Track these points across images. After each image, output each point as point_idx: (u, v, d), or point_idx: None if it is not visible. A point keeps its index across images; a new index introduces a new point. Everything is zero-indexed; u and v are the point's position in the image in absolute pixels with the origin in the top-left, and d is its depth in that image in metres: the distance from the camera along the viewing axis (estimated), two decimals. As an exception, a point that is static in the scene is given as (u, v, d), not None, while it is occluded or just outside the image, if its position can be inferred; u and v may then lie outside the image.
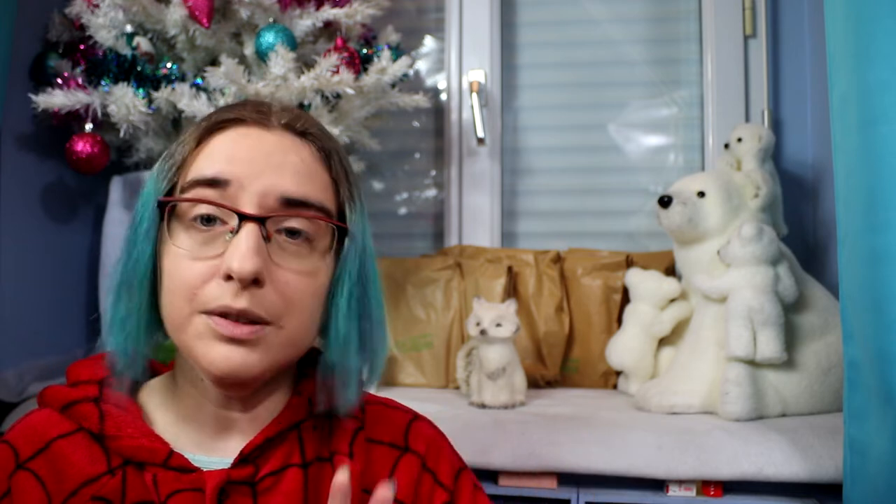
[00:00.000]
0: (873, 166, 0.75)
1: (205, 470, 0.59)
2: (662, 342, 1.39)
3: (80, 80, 1.28)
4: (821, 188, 1.57)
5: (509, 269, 1.53)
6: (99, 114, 1.27)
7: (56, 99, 1.24)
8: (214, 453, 0.62)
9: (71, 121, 1.33)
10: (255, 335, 0.57)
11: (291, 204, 0.59)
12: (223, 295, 0.56)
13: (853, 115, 0.78)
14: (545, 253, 1.56)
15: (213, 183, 0.58)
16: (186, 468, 0.59)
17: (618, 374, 1.46)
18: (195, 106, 1.23)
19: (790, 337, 1.18)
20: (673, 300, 1.37)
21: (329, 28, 1.40)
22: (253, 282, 0.56)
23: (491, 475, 1.07)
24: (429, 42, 1.84)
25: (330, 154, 0.63)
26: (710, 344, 1.21)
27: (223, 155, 0.59)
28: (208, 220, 0.58)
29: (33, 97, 1.24)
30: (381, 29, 1.53)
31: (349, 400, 0.64)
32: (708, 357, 1.21)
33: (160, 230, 0.59)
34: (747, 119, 1.65)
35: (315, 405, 0.64)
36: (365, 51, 1.40)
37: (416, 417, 0.71)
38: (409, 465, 0.67)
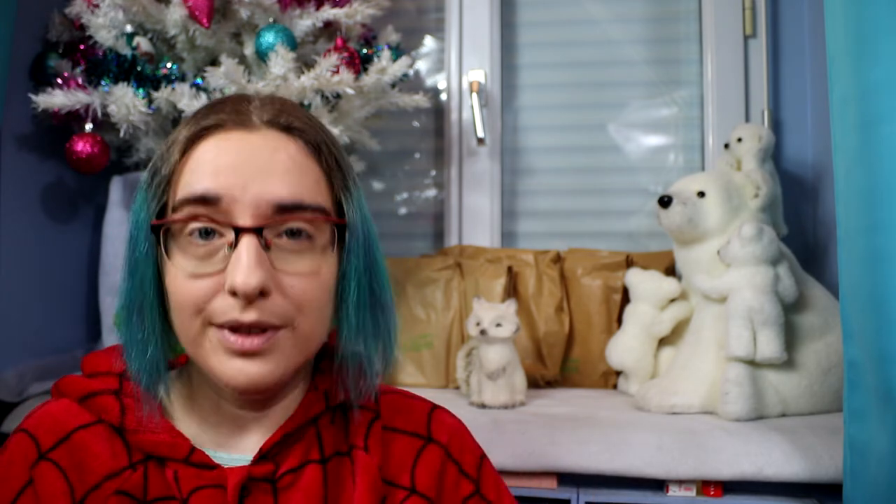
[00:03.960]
0: (873, 166, 0.75)
1: (225, 467, 0.59)
2: (662, 342, 1.39)
3: (80, 80, 1.27)
4: (821, 188, 1.57)
5: (509, 269, 1.53)
6: (99, 114, 1.27)
7: (56, 99, 1.23)
8: (234, 451, 0.62)
9: (71, 121, 1.33)
10: (269, 342, 0.56)
11: (286, 209, 0.57)
12: (231, 309, 0.55)
13: (853, 115, 0.78)
14: (545, 253, 1.56)
15: (203, 200, 0.56)
16: (208, 465, 0.59)
17: (618, 374, 1.46)
18: (195, 106, 1.23)
19: (790, 337, 1.18)
20: (673, 300, 1.37)
21: (329, 28, 1.40)
22: (259, 293, 0.55)
23: (491, 475, 1.07)
24: (429, 42, 1.84)
25: (319, 147, 0.61)
26: (711, 344, 1.21)
27: (209, 167, 0.57)
28: (205, 233, 0.56)
29: (33, 97, 1.24)
30: (381, 29, 1.53)
31: (369, 387, 0.64)
32: (708, 357, 1.21)
33: (158, 251, 0.58)
34: (747, 119, 1.65)
35: (331, 398, 0.64)
36: (365, 51, 1.40)
37: (435, 407, 0.71)
38: (432, 456, 0.66)
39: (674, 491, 1.04)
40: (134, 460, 0.59)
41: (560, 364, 1.50)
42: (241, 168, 0.56)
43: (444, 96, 1.80)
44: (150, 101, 1.26)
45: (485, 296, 1.42)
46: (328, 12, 1.34)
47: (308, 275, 0.58)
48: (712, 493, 1.03)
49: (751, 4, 1.65)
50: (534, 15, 1.81)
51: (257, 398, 0.61)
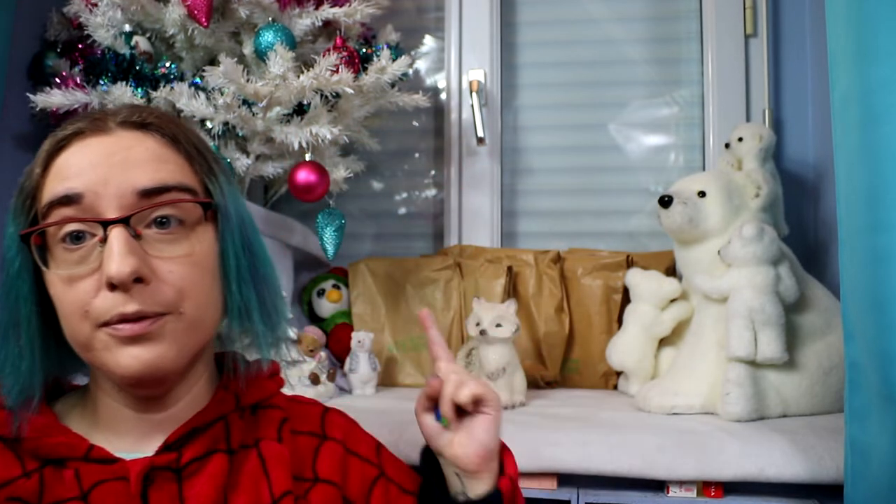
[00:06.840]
0: (874, 166, 0.75)
1: (128, 460, 0.59)
2: (663, 342, 1.39)
3: (78, 80, 1.27)
4: (822, 188, 1.57)
5: (509, 269, 1.53)
6: (97, 113, 1.26)
7: (54, 98, 1.23)
8: (136, 452, 0.62)
9: (69, 120, 1.33)
10: (156, 325, 0.58)
11: (150, 194, 0.59)
12: (114, 304, 0.56)
13: (854, 114, 0.78)
14: (545, 253, 1.56)
15: (67, 200, 0.58)
16: (109, 459, 0.59)
17: (618, 374, 1.46)
18: (194, 105, 1.23)
19: (791, 337, 1.18)
20: (673, 300, 1.37)
21: (328, 27, 1.40)
22: (136, 281, 0.57)
23: (490, 476, 1.07)
24: (428, 41, 1.83)
25: (176, 136, 0.63)
26: (711, 344, 1.21)
27: (69, 171, 0.59)
28: (76, 237, 0.58)
29: (32, 97, 1.23)
30: (380, 28, 1.53)
31: (264, 361, 0.68)
32: (709, 357, 1.20)
33: (35, 263, 0.59)
34: (748, 118, 1.65)
35: (242, 398, 0.66)
36: (364, 50, 1.39)
37: (327, 409, 0.75)
38: (331, 451, 0.70)
39: (674, 492, 1.03)
40: (28, 469, 0.59)
41: (560, 364, 1.49)
42: (100, 166, 0.59)
43: (443, 96, 1.79)
44: (149, 101, 1.26)
45: (485, 296, 1.42)
46: (327, 11, 1.34)
47: (183, 258, 0.60)
48: (713, 493, 1.02)
49: (751, 3, 1.64)
50: (534, 14, 1.80)
51: (156, 392, 0.62)
